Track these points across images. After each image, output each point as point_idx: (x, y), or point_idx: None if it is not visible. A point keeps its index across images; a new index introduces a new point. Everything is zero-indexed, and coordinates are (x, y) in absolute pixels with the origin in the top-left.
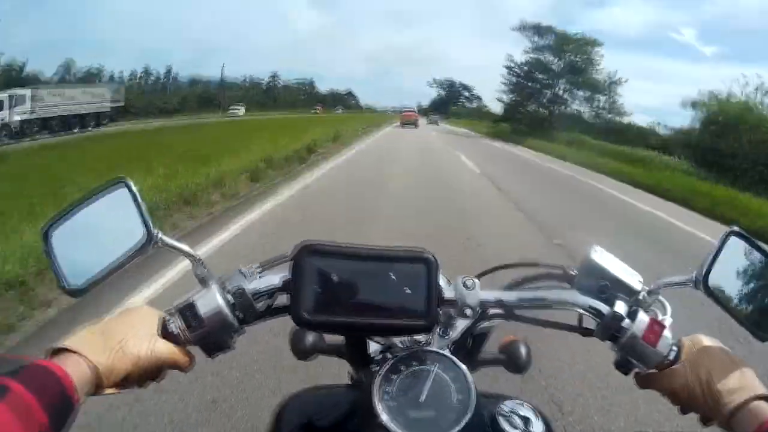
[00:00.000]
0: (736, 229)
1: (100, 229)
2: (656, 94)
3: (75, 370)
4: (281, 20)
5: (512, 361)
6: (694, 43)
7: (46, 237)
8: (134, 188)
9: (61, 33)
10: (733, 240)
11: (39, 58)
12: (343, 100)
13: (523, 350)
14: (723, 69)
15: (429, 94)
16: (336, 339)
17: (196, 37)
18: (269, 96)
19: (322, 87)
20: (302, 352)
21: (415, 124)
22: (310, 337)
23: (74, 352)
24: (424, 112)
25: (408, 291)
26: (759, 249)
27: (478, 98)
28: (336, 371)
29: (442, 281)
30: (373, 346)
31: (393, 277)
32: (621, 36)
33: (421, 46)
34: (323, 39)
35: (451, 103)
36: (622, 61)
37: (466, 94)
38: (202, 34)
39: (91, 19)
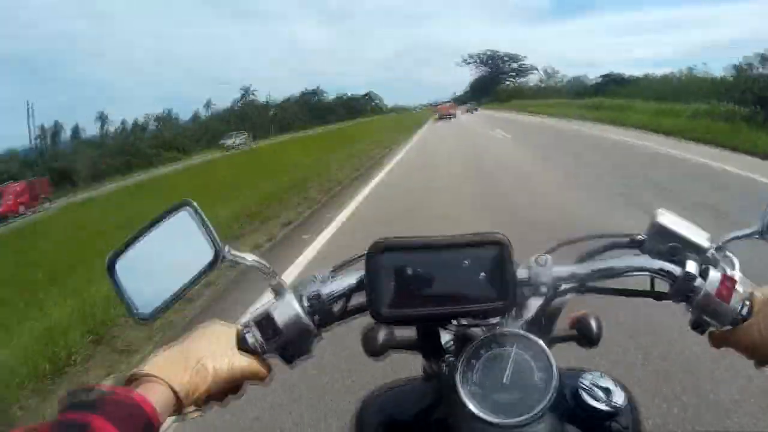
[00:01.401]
0: None
1: (167, 253)
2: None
3: (155, 396)
4: (294, 44)
5: (584, 336)
6: None
7: (111, 268)
8: (198, 208)
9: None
10: None
11: None
12: (357, 107)
13: (594, 323)
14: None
15: (465, 81)
16: (408, 333)
17: (207, 73)
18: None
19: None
20: (375, 351)
21: (453, 116)
22: (382, 334)
23: (154, 376)
24: (461, 101)
25: (483, 275)
26: None
27: (533, 69)
28: (409, 366)
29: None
30: (446, 337)
31: (467, 263)
32: None
33: (442, 36)
34: (340, 53)
35: (497, 82)
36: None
37: (515, 65)
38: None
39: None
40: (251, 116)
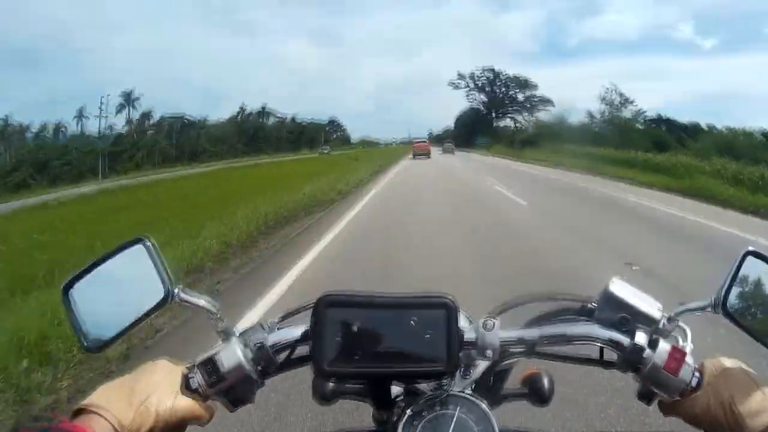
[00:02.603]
0: (752, 249)
1: (120, 286)
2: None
3: (99, 430)
4: (279, 65)
5: (535, 394)
6: (690, 38)
7: (66, 293)
8: (153, 244)
9: None
10: (750, 260)
11: None
12: (311, 136)
13: (546, 382)
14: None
15: (449, 117)
16: (358, 382)
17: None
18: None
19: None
20: (324, 396)
21: (428, 154)
22: (332, 382)
23: (99, 411)
24: (440, 140)
25: (428, 336)
26: None
27: (548, 103)
28: (359, 414)
29: (463, 322)
30: (396, 389)
31: (413, 323)
32: (617, 41)
33: (426, 73)
34: (322, 80)
35: (495, 117)
36: (621, 65)
37: (522, 96)
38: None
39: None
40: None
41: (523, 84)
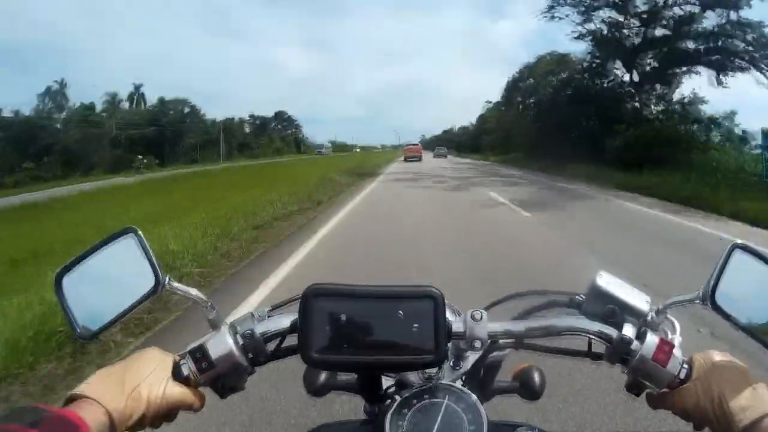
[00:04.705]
0: (740, 242)
1: (111, 276)
2: None
3: (91, 418)
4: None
5: (526, 388)
6: None
7: (58, 283)
8: (142, 236)
9: None
10: (738, 254)
11: None
12: (211, 139)
13: (536, 377)
14: None
15: (440, 126)
16: (349, 375)
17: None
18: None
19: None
20: (315, 389)
21: (419, 158)
22: (323, 374)
23: (90, 398)
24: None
25: (416, 327)
26: (766, 261)
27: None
28: (351, 407)
29: (450, 315)
30: (387, 381)
31: (401, 314)
32: None
33: (416, 83)
34: (313, 87)
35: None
36: None
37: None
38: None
39: None
40: None
41: None
